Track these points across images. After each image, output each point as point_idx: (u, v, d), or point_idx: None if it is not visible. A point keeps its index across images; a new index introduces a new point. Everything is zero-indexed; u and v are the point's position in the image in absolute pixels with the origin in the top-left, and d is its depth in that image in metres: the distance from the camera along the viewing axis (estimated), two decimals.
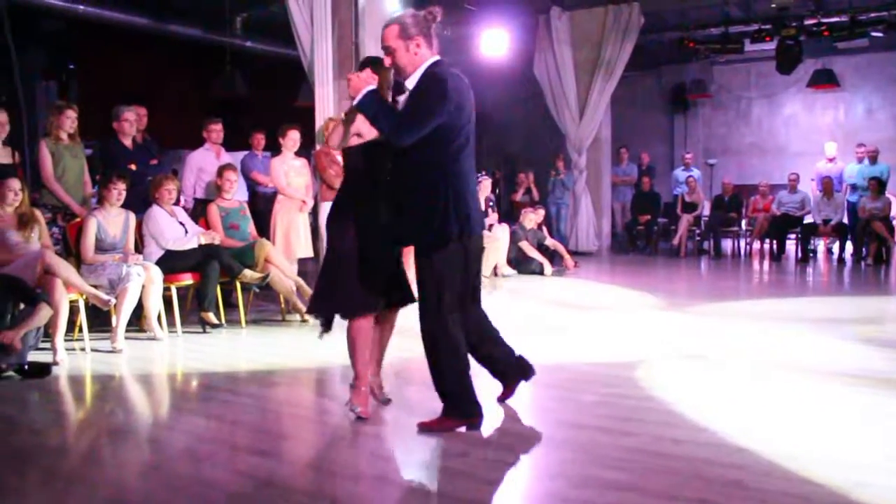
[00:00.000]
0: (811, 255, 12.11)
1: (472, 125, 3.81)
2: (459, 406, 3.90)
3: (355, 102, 3.69)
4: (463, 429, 3.89)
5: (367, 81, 3.71)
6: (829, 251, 12.65)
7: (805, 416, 4.17)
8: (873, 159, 12.45)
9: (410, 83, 3.72)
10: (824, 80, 13.74)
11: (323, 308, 4.20)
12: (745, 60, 14.57)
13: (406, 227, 3.83)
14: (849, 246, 11.75)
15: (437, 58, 3.75)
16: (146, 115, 7.65)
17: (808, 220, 12.00)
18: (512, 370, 4.30)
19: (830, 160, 12.66)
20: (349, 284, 4.00)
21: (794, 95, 15.13)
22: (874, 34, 11.75)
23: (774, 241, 12.19)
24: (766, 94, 15.55)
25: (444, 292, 3.77)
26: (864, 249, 11.41)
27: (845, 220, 11.96)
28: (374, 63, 3.91)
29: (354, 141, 3.99)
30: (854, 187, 12.41)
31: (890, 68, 14.36)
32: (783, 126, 15.53)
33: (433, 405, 4.00)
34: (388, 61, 3.77)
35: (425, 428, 3.88)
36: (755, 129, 15.85)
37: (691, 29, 13.06)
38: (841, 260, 11.74)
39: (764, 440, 3.69)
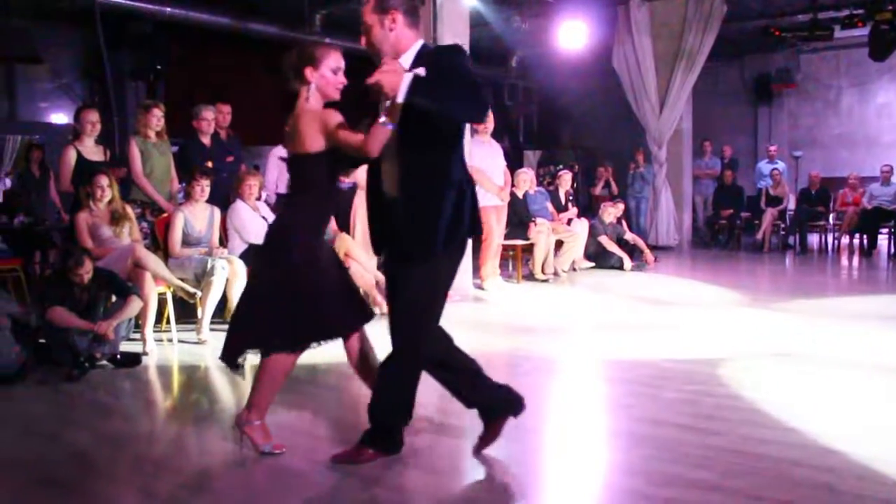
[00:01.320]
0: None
1: None
2: (387, 440, 3.47)
3: (400, 98, 3.01)
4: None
5: (399, 70, 3.06)
6: None
7: None
8: None
9: (406, 61, 3.22)
10: None
11: (248, 343, 3.58)
12: (835, 48, 14.06)
13: (410, 233, 3.27)
14: None
15: (423, 42, 3.29)
16: (230, 112, 7.83)
17: None
18: (499, 405, 3.63)
19: None
20: (293, 314, 3.44)
21: (889, 83, 14.52)
22: None
23: (865, 236, 11.74)
24: (856, 82, 14.97)
25: (434, 306, 3.40)
26: None
27: None
28: None
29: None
30: None
31: None
32: (875, 116, 14.92)
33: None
34: (363, 42, 3.38)
35: (341, 459, 3.44)
36: (844, 119, 15.28)
37: (777, 16, 12.62)
38: None
39: (854, 442, 3.55)
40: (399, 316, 3.39)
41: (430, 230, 3.20)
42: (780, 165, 13.29)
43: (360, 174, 7.52)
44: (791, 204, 12.73)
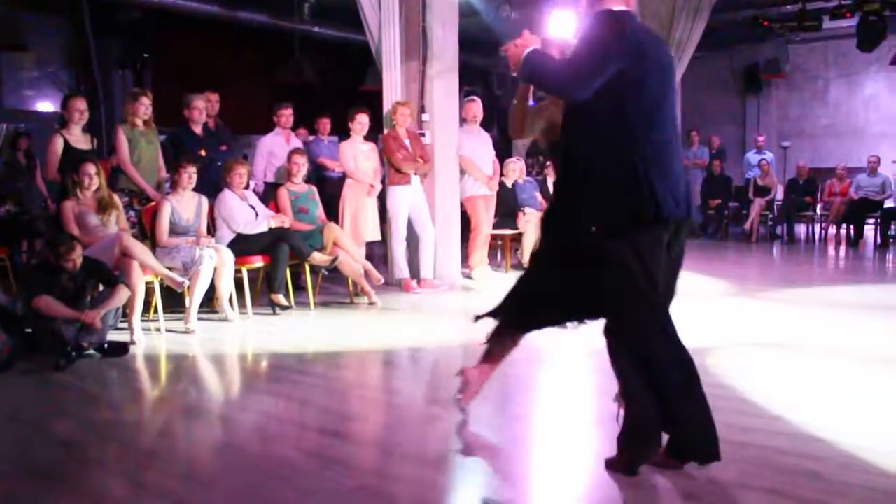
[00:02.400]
0: (891, 240, 11.68)
1: (671, 90, 3.08)
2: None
3: (518, 74, 3.01)
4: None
5: (525, 44, 3.00)
6: None
7: (883, 407, 4.02)
8: None
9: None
10: None
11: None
12: (823, 38, 14.09)
13: (589, 208, 3.03)
14: None
15: (624, 8, 3.05)
16: (218, 101, 7.81)
17: (888, 204, 11.57)
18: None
19: None
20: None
21: (876, 74, 14.57)
22: None
23: (852, 226, 11.80)
24: (844, 73, 15.02)
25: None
26: None
27: None
28: None
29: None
30: None
31: None
32: (863, 107, 14.98)
33: (497, 391, 3.97)
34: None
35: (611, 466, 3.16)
36: (832, 110, 15.33)
37: (766, 6, 12.65)
38: None
39: (840, 431, 3.58)
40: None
41: (611, 201, 3.05)
42: (769, 156, 13.34)
43: (349, 163, 7.52)
44: (779, 194, 12.79)
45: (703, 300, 7.30)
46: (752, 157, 13.49)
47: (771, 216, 12.64)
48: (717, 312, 6.69)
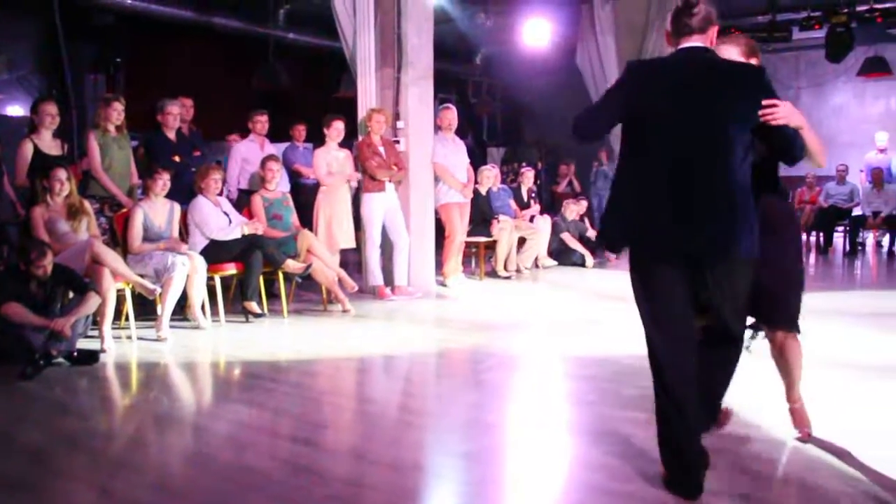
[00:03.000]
0: (860, 248, 11.84)
1: (675, 115, 2.99)
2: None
3: None
4: None
5: None
6: (878, 244, 12.37)
7: (851, 411, 4.07)
8: None
9: None
10: (876, 68, 13.39)
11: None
12: (794, 49, 14.26)
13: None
14: None
15: (679, 46, 3.12)
16: (192, 106, 7.76)
17: (856, 212, 11.73)
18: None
19: (881, 150, 12.35)
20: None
21: (844, 85, 14.78)
22: None
23: (821, 234, 11.96)
24: (814, 83, 15.22)
25: None
26: None
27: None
28: None
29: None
30: None
31: None
32: (832, 116, 15.18)
33: (471, 398, 3.98)
34: None
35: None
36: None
37: (737, 16, 12.79)
38: (891, 253, 11.48)
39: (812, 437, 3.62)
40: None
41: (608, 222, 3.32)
42: None
43: (321, 170, 7.49)
44: None
45: None
46: None
47: None
48: None
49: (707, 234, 2.94)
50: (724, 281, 3.03)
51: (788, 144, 3.09)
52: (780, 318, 3.49)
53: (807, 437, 3.56)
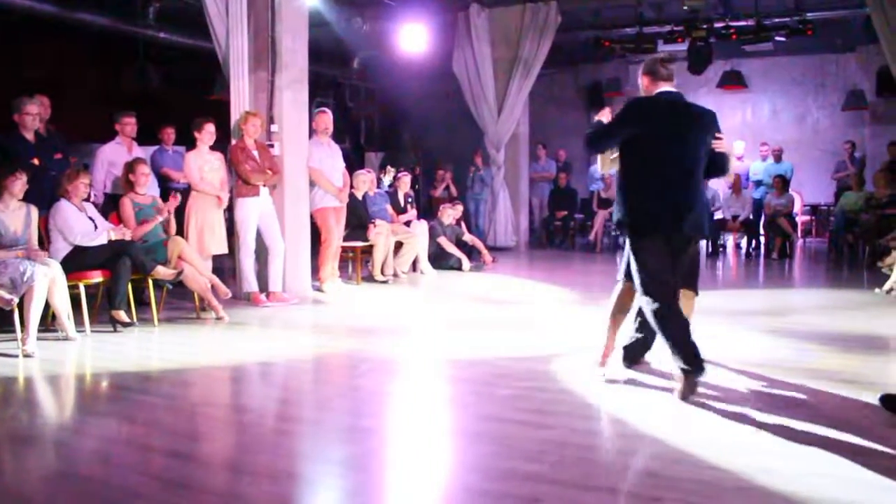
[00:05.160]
0: (721, 249, 12.51)
1: (665, 141, 4.38)
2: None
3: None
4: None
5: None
6: (737, 246, 13.10)
7: (714, 405, 4.30)
8: (778, 158, 12.98)
9: None
10: (733, 81, 14.24)
11: None
12: None
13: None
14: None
15: (658, 90, 4.52)
16: (50, 105, 7.36)
17: (717, 215, 12.38)
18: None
19: (739, 158, 13.08)
20: None
21: (705, 96, 15.49)
22: (778, 38, 12.20)
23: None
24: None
25: None
26: (770, 244, 11.88)
27: (751, 217, 12.41)
28: None
29: None
30: (758, 184, 12.89)
31: (793, 71, 14.97)
32: None
33: (347, 404, 3.95)
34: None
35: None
36: None
37: (607, 28, 13.29)
38: (749, 254, 12.18)
39: (674, 430, 3.81)
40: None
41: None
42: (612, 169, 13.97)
43: (194, 175, 7.28)
44: None
45: (551, 309, 7.57)
46: (596, 170, 14.10)
47: (614, 227, 13.22)
48: (563, 320, 6.94)
49: (690, 221, 4.36)
50: (688, 251, 4.57)
51: (723, 164, 4.65)
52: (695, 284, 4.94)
53: None
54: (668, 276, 4.43)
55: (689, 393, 4.29)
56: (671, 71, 4.54)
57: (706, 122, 4.52)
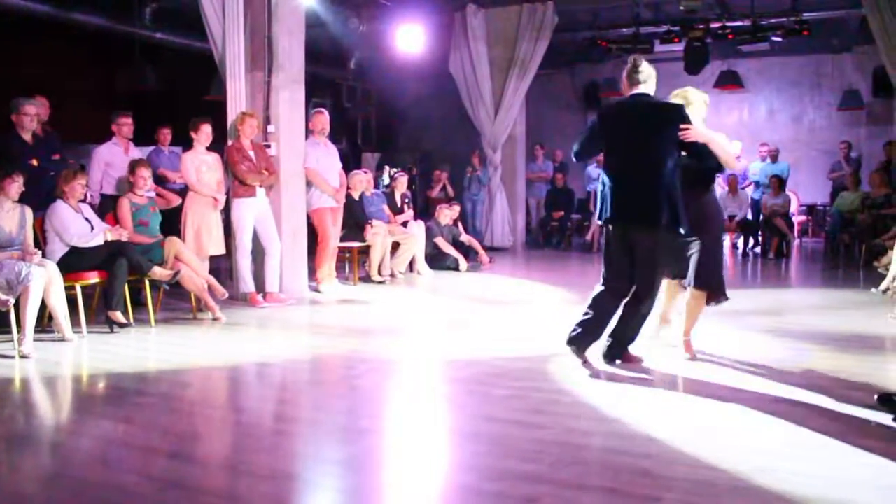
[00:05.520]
0: None
1: (627, 139, 4.87)
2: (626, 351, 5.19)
3: None
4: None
5: None
6: (734, 246, 13.12)
7: (710, 404, 4.31)
8: (774, 158, 13.01)
9: None
10: (729, 81, 14.25)
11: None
12: (656, 60, 14.73)
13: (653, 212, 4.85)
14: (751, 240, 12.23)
15: (630, 93, 4.95)
16: (48, 106, 7.35)
17: None
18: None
19: (737, 158, 13.08)
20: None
21: None
22: (774, 39, 12.22)
23: None
24: None
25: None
26: (767, 244, 11.90)
27: (749, 217, 12.43)
28: None
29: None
30: (757, 184, 12.91)
31: (789, 71, 14.99)
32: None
33: (345, 404, 3.95)
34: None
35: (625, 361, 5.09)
36: None
37: (604, 28, 13.31)
38: (745, 254, 12.20)
39: (671, 429, 3.81)
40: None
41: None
42: None
43: (191, 175, 7.28)
44: None
45: (547, 309, 7.57)
46: (593, 171, 14.11)
47: None
48: (560, 320, 6.92)
49: (642, 211, 4.77)
50: (647, 242, 4.87)
51: (700, 155, 4.85)
52: (701, 280, 5.11)
53: (694, 358, 5.21)
54: (621, 266, 4.93)
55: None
56: (647, 74, 4.94)
57: (669, 116, 4.85)
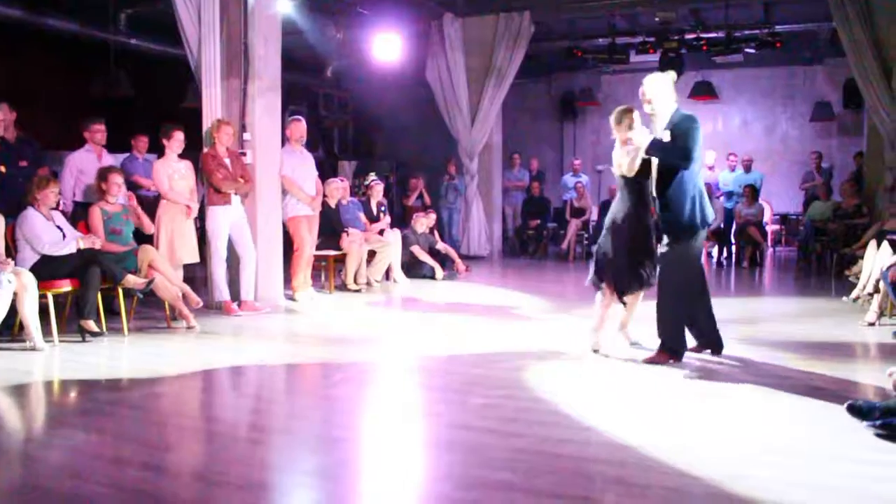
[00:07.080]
0: None
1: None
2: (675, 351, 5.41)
3: (645, 150, 5.39)
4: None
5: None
6: (708, 254, 13.22)
7: (685, 412, 4.34)
8: (748, 168, 13.13)
9: (662, 122, 5.48)
10: (704, 91, 14.38)
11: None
12: (631, 70, 15.02)
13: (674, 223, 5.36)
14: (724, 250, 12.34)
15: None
16: (10, 111, 7.18)
17: None
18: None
19: (710, 168, 13.22)
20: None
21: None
22: (748, 50, 12.37)
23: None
24: None
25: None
26: (740, 253, 12.01)
27: (722, 226, 12.54)
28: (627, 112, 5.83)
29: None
30: (729, 194, 13.04)
31: (762, 82, 15.19)
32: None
33: (320, 413, 3.93)
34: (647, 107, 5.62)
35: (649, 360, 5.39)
36: None
37: (580, 38, 13.40)
38: (720, 263, 12.30)
39: (645, 437, 3.83)
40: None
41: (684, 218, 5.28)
42: (584, 178, 14.10)
43: (163, 183, 7.22)
44: (594, 215, 13.50)
45: (523, 317, 7.59)
46: (569, 179, 14.20)
47: (587, 236, 13.32)
48: (535, 329, 6.96)
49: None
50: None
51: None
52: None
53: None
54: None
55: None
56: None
57: None
